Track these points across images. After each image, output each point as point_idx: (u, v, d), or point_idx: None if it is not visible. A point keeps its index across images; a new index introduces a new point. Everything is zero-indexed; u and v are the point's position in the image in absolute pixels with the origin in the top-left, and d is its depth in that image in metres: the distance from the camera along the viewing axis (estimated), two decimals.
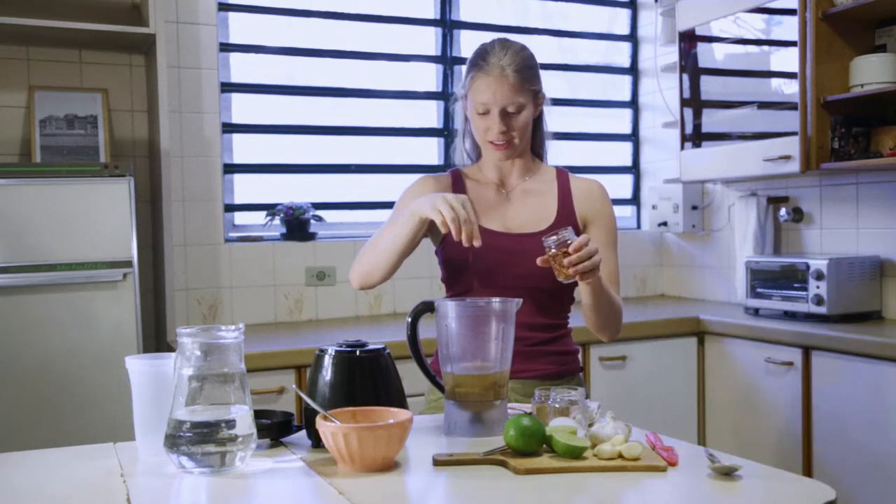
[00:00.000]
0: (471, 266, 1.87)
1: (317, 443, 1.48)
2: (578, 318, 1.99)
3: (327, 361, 1.49)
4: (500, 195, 1.98)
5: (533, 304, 1.87)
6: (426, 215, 1.73)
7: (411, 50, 3.84)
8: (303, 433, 1.55)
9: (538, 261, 1.70)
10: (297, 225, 3.48)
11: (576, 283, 1.94)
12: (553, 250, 1.67)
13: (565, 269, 1.67)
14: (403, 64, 3.83)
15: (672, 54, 3.89)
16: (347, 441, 1.30)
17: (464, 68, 1.95)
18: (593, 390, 3.14)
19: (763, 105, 3.33)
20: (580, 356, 2.03)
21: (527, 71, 1.87)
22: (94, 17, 3.09)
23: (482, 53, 1.88)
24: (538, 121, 1.99)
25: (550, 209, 1.94)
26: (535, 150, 2.02)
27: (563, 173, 2.01)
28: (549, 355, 1.92)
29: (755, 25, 3.37)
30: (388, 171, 3.81)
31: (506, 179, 1.99)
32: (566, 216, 1.93)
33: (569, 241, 1.65)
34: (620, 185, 4.35)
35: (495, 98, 1.84)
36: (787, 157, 3.12)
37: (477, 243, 1.69)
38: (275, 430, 1.52)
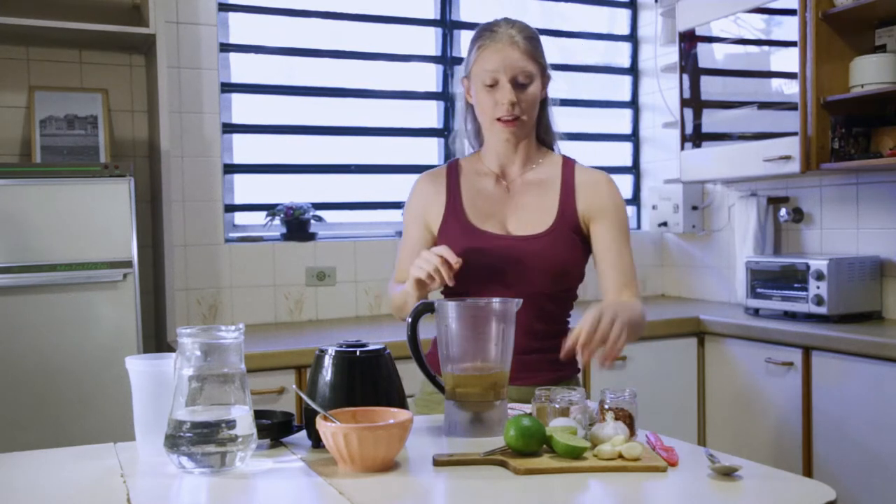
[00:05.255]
0: (469, 270, 1.81)
1: (317, 443, 1.48)
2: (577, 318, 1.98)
3: (327, 362, 1.49)
4: (499, 187, 1.91)
5: (532, 309, 1.78)
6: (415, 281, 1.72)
7: (411, 50, 3.84)
8: (303, 433, 1.54)
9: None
10: (297, 225, 3.48)
11: (574, 289, 1.91)
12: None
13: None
14: (403, 64, 3.83)
15: (672, 54, 3.89)
16: (347, 441, 1.30)
17: (466, 48, 1.90)
18: (594, 390, 3.14)
19: (763, 105, 3.33)
20: (579, 356, 1.98)
21: (535, 41, 1.84)
22: (94, 17, 3.09)
23: (488, 26, 1.85)
24: (543, 105, 1.93)
25: (551, 206, 1.86)
26: (541, 136, 1.95)
27: (570, 164, 1.93)
28: (547, 363, 1.84)
29: (755, 25, 3.37)
30: (388, 171, 3.81)
31: (507, 170, 1.92)
32: (566, 216, 1.86)
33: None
34: (621, 186, 4.32)
35: (505, 64, 1.79)
36: (788, 158, 3.12)
37: (450, 283, 1.69)
38: (275, 430, 1.52)
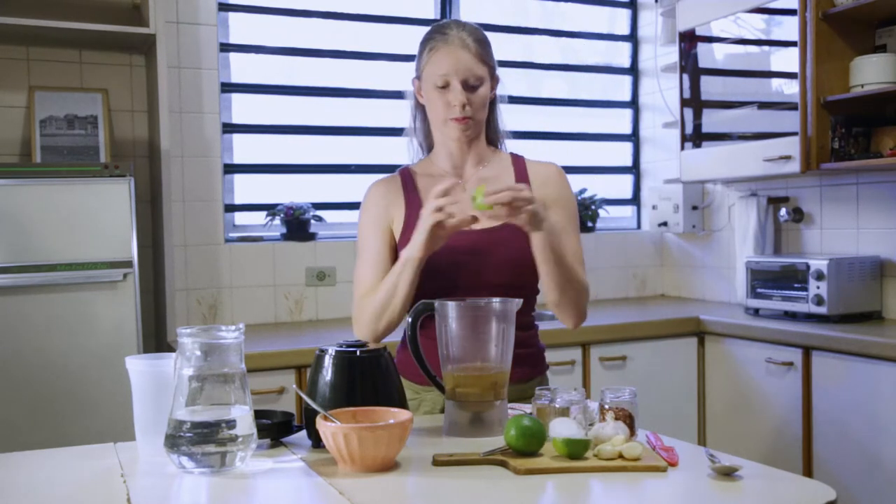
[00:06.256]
0: (438, 266, 1.81)
1: (317, 443, 1.48)
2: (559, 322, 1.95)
3: (327, 361, 1.49)
4: (456, 185, 1.88)
5: None
6: (425, 237, 1.70)
7: (411, 50, 3.82)
8: (303, 433, 1.55)
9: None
10: (297, 225, 3.48)
11: (534, 284, 1.88)
12: None
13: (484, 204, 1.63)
14: (403, 64, 3.82)
15: (672, 54, 3.89)
16: (347, 441, 1.30)
17: (417, 49, 1.91)
18: (593, 390, 3.14)
19: (763, 105, 3.33)
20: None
21: (485, 44, 1.87)
22: (94, 17, 3.09)
23: (438, 28, 1.88)
24: (492, 105, 1.94)
25: None
26: (490, 137, 1.97)
27: (520, 159, 1.96)
28: (515, 358, 1.74)
29: (755, 25, 3.37)
30: (388, 171, 3.76)
31: (460, 170, 1.93)
32: None
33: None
34: (620, 185, 4.35)
35: (457, 67, 1.81)
36: (788, 158, 3.12)
37: (475, 223, 1.71)
38: (275, 430, 1.52)
